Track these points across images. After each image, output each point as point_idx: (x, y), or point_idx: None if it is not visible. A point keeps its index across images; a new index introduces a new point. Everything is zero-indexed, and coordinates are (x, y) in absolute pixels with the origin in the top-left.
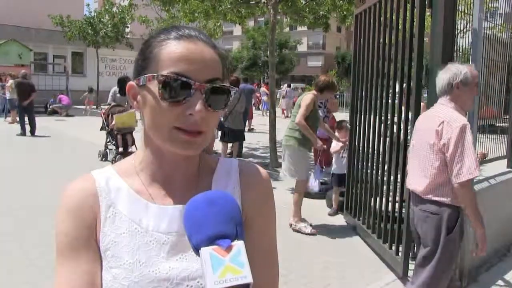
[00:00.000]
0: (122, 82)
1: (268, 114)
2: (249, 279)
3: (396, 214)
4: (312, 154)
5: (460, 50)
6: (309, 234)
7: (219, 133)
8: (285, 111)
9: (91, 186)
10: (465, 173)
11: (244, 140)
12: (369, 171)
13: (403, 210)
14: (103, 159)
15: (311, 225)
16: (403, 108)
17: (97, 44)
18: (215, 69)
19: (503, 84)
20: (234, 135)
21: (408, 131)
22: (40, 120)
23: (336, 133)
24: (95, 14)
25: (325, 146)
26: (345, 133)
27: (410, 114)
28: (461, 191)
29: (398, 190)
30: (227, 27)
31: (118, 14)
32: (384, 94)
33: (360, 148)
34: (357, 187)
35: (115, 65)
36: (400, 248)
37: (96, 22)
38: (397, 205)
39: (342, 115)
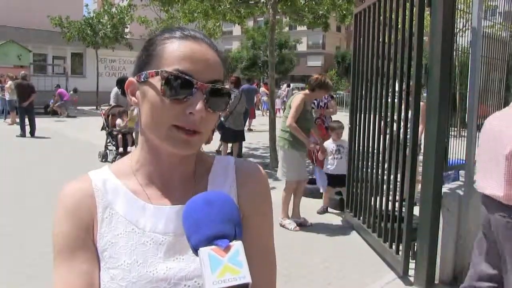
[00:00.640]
0: (122, 83)
1: (268, 114)
2: (247, 279)
3: (396, 213)
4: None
5: (460, 49)
6: (293, 231)
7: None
8: (280, 111)
9: (88, 187)
10: None
11: (244, 140)
12: (369, 170)
13: (403, 209)
14: (103, 160)
15: (299, 224)
16: (403, 107)
17: (96, 44)
18: (217, 71)
19: (503, 83)
20: (234, 135)
21: (408, 130)
22: (40, 121)
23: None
24: (94, 14)
25: (318, 147)
26: (336, 135)
27: (409, 113)
28: None
29: (398, 189)
30: (227, 27)
31: (117, 15)
32: (383, 93)
33: (360, 147)
34: (357, 186)
35: (115, 65)
36: (401, 247)
37: (95, 22)
38: (397, 204)
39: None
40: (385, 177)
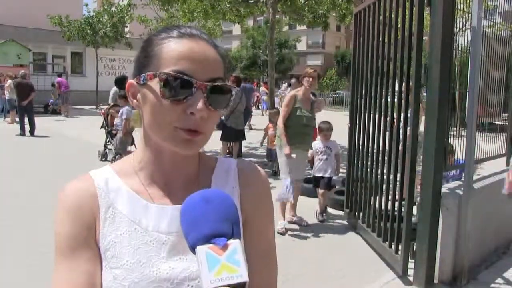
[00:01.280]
0: (120, 82)
1: (268, 113)
2: (245, 277)
3: (396, 213)
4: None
5: (459, 49)
6: (281, 233)
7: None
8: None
9: (90, 186)
10: None
11: (245, 139)
12: (368, 169)
13: (403, 208)
14: (103, 159)
15: (294, 222)
16: (402, 106)
17: (96, 44)
18: (217, 68)
19: (502, 82)
20: (235, 135)
21: (408, 129)
22: (39, 120)
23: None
24: (94, 14)
25: (294, 156)
26: (324, 137)
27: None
28: None
29: (397, 188)
30: (226, 26)
31: (117, 14)
32: (383, 92)
33: (360, 147)
34: (357, 186)
35: (115, 65)
36: (400, 247)
37: (95, 22)
38: (396, 203)
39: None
40: (384, 177)
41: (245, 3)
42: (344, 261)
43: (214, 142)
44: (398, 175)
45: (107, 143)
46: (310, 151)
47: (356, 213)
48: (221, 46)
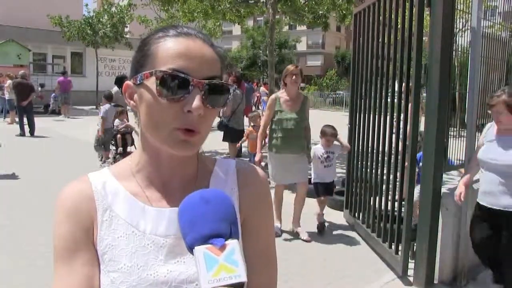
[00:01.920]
0: (121, 82)
1: None
2: (243, 278)
3: (396, 213)
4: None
5: (459, 49)
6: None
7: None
8: None
9: (88, 189)
10: None
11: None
12: (368, 170)
13: (403, 209)
14: (103, 160)
15: (295, 232)
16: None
17: (96, 44)
18: (214, 67)
19: (502, 83)
20: (236, 135)
21: (408, 130)
22: (39, 121)
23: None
24: (94, 14)
25: (263, 164)
26: (326, 143)
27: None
28: None
29: (397, 189)
30: (226, 26)
31: (117, 14)
32: (383, 93)
33: (360, 147)
34: (356, 186)
35: (115, 65)
36: (400, 247)
37: (95, 22)
38: (396, 204)
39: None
40: (384, 177)
41: (245, 3)
42: (344, 261)
43: (216, 143)
44: (398, 175)
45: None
46: (312, 153)
47: (356, 214)
48: (218, 46)
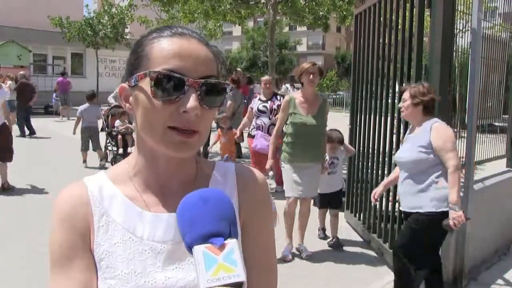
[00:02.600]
0: None
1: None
2: (242, 277)
3: (396, 214)
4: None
5: (459, 50)
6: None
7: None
8: None
9: (83, 194)
10: None
11: (243, 141)
12: (369, 170)
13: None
14: (103, 160)
15: (297, 250)
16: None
17: (96, 45)
18: (209, 66)
19: (502, 84)
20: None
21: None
22: (40, 121)
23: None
24: (94, 15)
25: (270, 174)
26: (331, 150)
27: None
28: None
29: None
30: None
31: (117, 15)
32: (384, 93)
33: (361, 148)
34: (357, 186)
35: (115, 66)
36: None
37: (95, 23)
38: (397, 204)
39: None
40: (385, 178)
41: (245, 4)
42: (345, 261)
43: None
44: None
45: (108, 144)
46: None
47: (357, 214)
48: (213, 45)
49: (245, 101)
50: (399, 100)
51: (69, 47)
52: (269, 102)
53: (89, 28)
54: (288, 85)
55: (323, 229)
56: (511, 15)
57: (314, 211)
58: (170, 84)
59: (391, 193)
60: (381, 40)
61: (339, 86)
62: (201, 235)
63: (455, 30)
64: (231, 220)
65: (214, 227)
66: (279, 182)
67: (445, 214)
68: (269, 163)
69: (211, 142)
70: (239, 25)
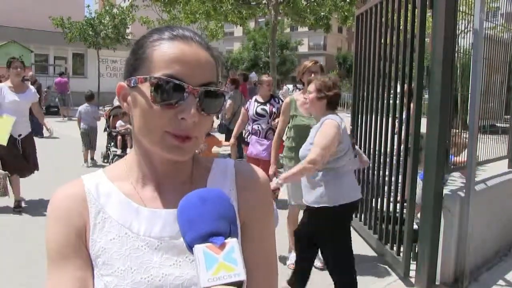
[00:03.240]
0: None
1: None
2: (242, 276)
3: (397, 215)
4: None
5: (461, 51)
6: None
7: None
8: None
9: (80, 191)
10: None
11: (239, 145)
12: (370, 171)
13: (404, 210)
14: (105, 161)
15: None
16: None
17: (97, 45)
18: (209, 72)
19: (504, 84)
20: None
21: (410, 131)
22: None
23: None
24: (96, 15)
25: (275, 181)
26: None
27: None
28: None
29: (399, 190)
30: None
31: (118, 16)
32: (385, 94)
33: (361, 149)
34: None
35: (116, 66)
36: (401, 249)
37: (96, 23)
38: (398, 205)
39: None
40: (386, 179)
41: (247, 5)
42: None
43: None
44: (400, 177)
45: (109, 145)
46: None
47: (358, 215)
48: (214, 48)
49: (246, 99)
50: (401, 101)
51: (71, 47)
52: (268, 104)
53: (91, 29)
54: (290, 86)
55: None
56: None
57: None
58: (170, 90)
59: (392, 194)
60: (382, 41)
61: (341, 87)
62: (201, 234)
63: (457, 30)
64: (231, 219)
65: (214, 226)
66: None
67: (322, 210)
68: (272, 168)
69: None
70: (240, 25)
